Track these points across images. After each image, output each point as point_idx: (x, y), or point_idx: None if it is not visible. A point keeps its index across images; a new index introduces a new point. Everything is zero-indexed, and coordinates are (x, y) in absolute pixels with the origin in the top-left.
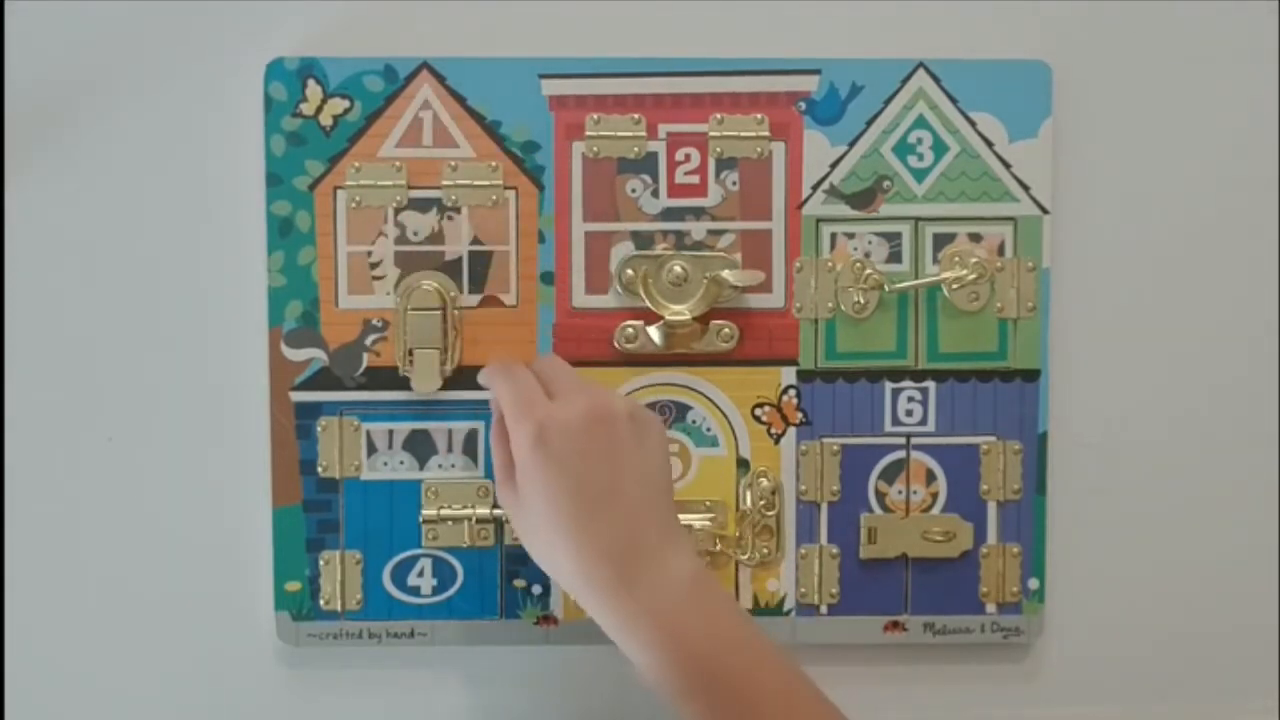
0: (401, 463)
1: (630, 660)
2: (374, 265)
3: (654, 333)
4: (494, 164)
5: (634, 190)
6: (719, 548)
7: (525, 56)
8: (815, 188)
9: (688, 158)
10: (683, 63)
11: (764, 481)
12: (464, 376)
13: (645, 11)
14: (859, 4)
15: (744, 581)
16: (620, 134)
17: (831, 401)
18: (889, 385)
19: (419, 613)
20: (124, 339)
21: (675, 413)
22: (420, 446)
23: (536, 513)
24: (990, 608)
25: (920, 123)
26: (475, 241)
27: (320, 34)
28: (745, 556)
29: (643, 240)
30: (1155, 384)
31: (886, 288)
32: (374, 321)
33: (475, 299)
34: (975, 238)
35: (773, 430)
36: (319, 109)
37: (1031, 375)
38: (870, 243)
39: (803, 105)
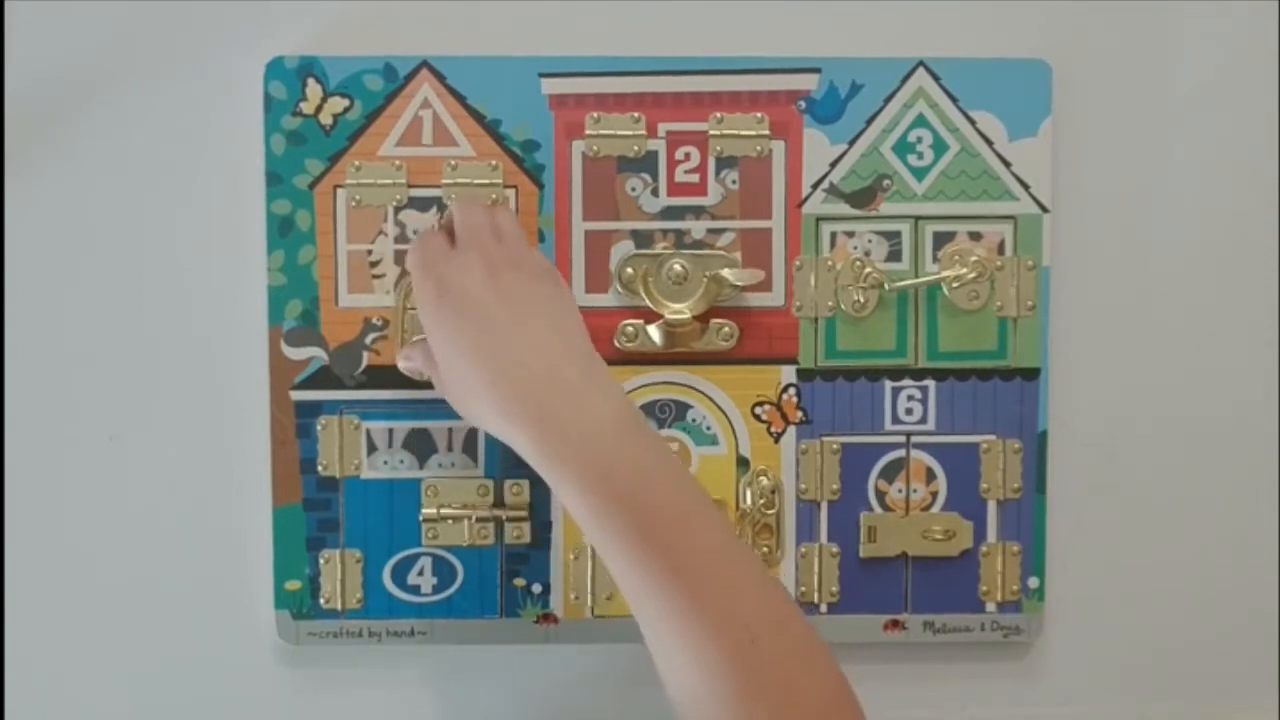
0: (401, 461)
1: (558, 497)
2: (374, 264)
3: (654, 331)
4: (494, 163)
5: (634, 189)
6: None
7: (525, 55)
8: (815, 186)
9: (688, 156)
10: (683, 62)
11: (764, 480)
12: None
13: (645, 11)
14: (859, 3)
15: None
16: (620, 133)
17: (831, 400)
18: (889, 384)
19: (419, 611)
20: (124, 338)
21: (675, 412)
22: (420, 445)
23: (450, 364)
24: (990, 606)
25: (920, 121)
26: None
27: (320, 33)
28: None
29: (642, 239)
30: (1155, 382)
31: (886, 286)
32: (374, 320)
33: None
34: (975, 236)
35: (773, 429)
36: (319, 108)
37: (1031, 374)
38: (870, 241)
39: (803, 104)
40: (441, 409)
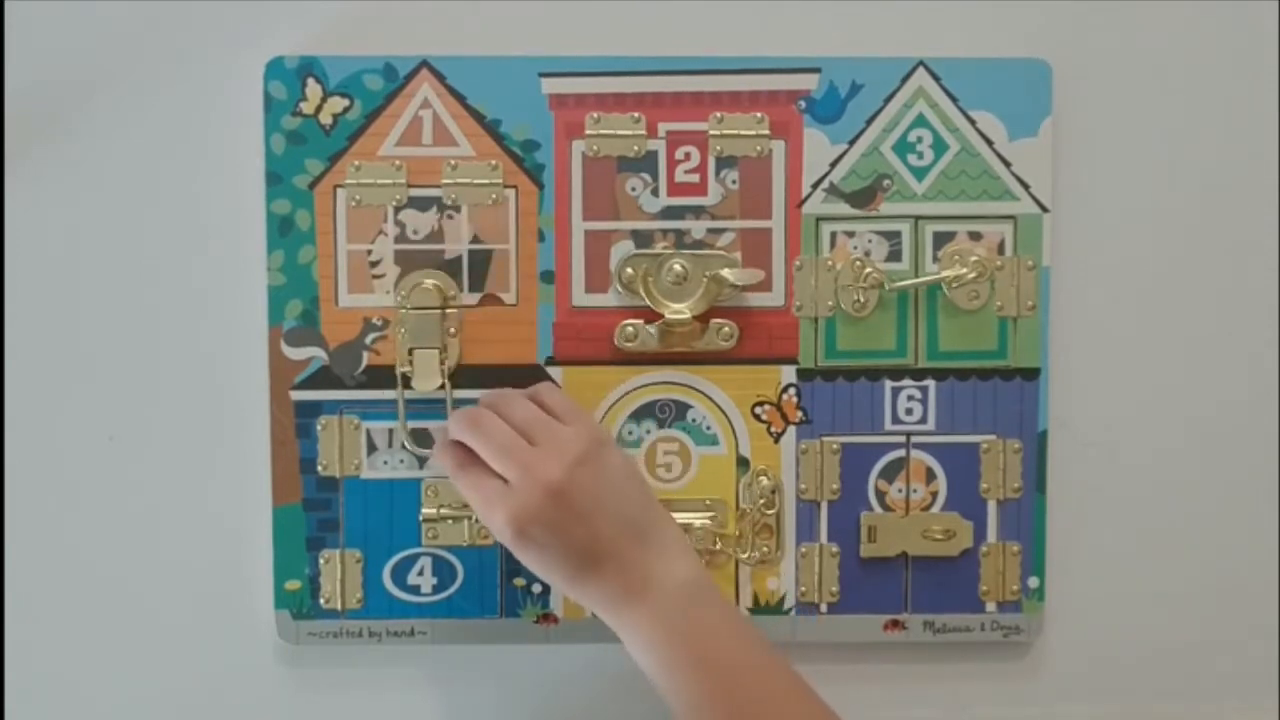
0: (401, 461)
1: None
2: (374, 264)
3: (654, 331)
4: (494, 163)
5: (634, 189)
6: (719, 546)
7: (525, 55)
8: (815, 186)
9: (688, 156)
10: (683, 61)
11: (764, 480)
12: (464, 375)
13: (645, 11)
14: (859, 3)
15: (744, 580)
16: (620, 132)
17: (831, 400)
18: (889, 384)
19: (419, 611)
20: (124, 338)
21: (675, 412)
22: (420, 445)
23: (537, 571)
24: (990, 606)
25: (920, 121)
26: (475, 240)
27: (320, 33)
28: (745, 555)
29: (643, 239)
30: (1155, 382)
31: (886, 286)
32: (374, 320)
33: (475, 298)
34: (975, 236)
35: (773, 429)
36: (319, 108)
37: (1031, 374)
38: (870, 241)
39: (803, 104)
40: (442, 408)
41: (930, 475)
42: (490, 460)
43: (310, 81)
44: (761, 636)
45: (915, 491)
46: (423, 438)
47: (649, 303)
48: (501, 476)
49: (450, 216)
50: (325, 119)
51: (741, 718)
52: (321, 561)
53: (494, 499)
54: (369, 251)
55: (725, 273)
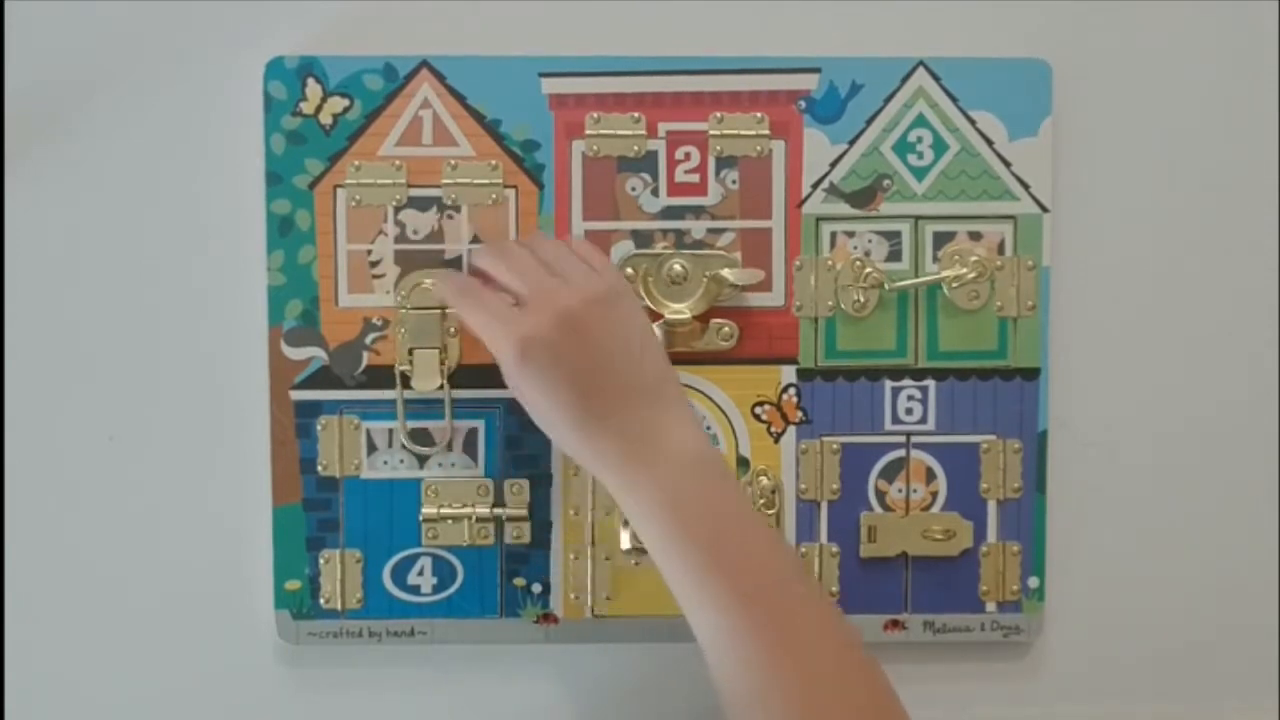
0: (401, 461)
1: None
2: (374, 264)
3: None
4: (494, 163)
5: (634, 189)
6: None
7: (525, 55)
8: (815, 186)
9: (688, 156)
10: (683, 61)
11: (764, 480)
12: (464, 375)
13: (645, 11)
14: (859, 3)
15: None
16: (620, 133)
17: (831, 400)
18: (889, 384)
19: (419, 611)
20: (124, 338)
21: None
22: (420, 445)
23: (538, 414)
24: (990, 606)
25: (920, 121)
26: (475, 240)
27: (320, 33)
28: None
29: (642, 239)
30: (1155, 382)
31: (886, 286)
32: (374, 320)
33: None
34: (975, 236)
35: (773, 429)
36: (319, 108)
37: (1031, 374)
38: (870, 241)
39: (803, 104)
40: (442, 408)
41: (930, 475)
42: (508, 280)
43: (310, 81)
44: (766, 520)
45: (915, 491)
46: (423, 437)
47: (649, 303)
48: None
49: (450, 216)
50: (325, 119)
51: (743, 596)
52: (321, 561)
53: (503, 316)
54: (369, 251)
55: (725, 273)
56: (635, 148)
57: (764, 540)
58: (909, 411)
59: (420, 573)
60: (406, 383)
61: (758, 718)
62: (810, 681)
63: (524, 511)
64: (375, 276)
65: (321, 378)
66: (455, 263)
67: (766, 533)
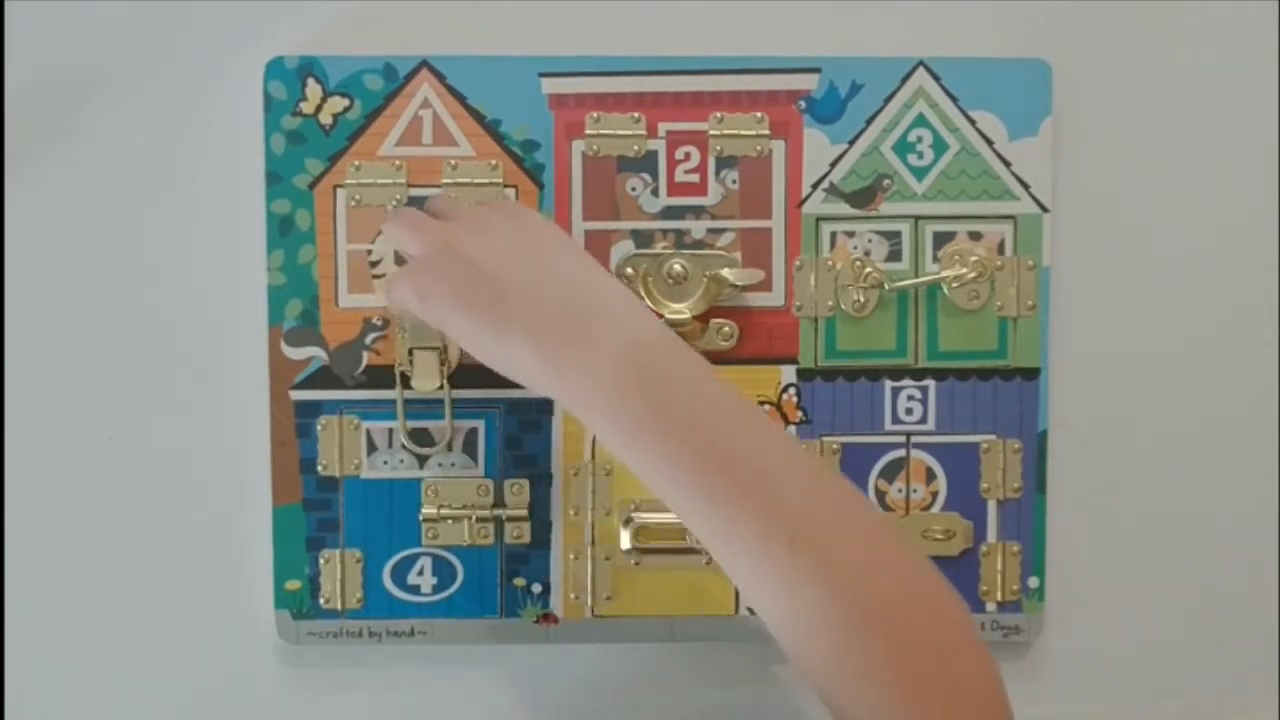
0: (401, 461)
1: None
2: (374, 264)
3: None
4: (494, 163)
5: (634, 189)
6: None
7: (525, 55)
8: (815, 186)
9: (688, 156)
10: (683, 61)
11: None
12: (464, 375)
13: (645, 11)
14: (859, 3)
15: None
16: (620, 132)
17: (831, 400)
18: (889, 384)
19: (419, 611)
20: (124, 338)
21: None
22: (420, 445)
23: (466, 343)
24: (990, 606)
25: (920, 121)
26: None
27: (320, 33)
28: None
29: (642, 239)
30: (1155, 382)
31: (886, 286)
32: (374, 320)
33: None
34: (975, 236)
35: None
36: (319, 107)
37: (1031, 373)
38: (870, 241)
39: (803, 104)
40: (441, 408)
41: (930, 475)
42: (403, 239)
43: (310, 81)
44: (733, 388)
45: (915, 491)
46: (423, 437)
47: (649, 303)
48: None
49: None
50: (325, 119)
51: (729, 474)
52: (321, 561)
53: (400, 274)
54: (369, 251)
55: (725, 273)
56: (635, 148)
57: (735, 408)
58: (909, 411)
59: (420, 573)
60: (406, 383)
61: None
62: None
63: (524, 511)
64: (375, 276)
65: (321, 378)
66: None
67: (743, 404)
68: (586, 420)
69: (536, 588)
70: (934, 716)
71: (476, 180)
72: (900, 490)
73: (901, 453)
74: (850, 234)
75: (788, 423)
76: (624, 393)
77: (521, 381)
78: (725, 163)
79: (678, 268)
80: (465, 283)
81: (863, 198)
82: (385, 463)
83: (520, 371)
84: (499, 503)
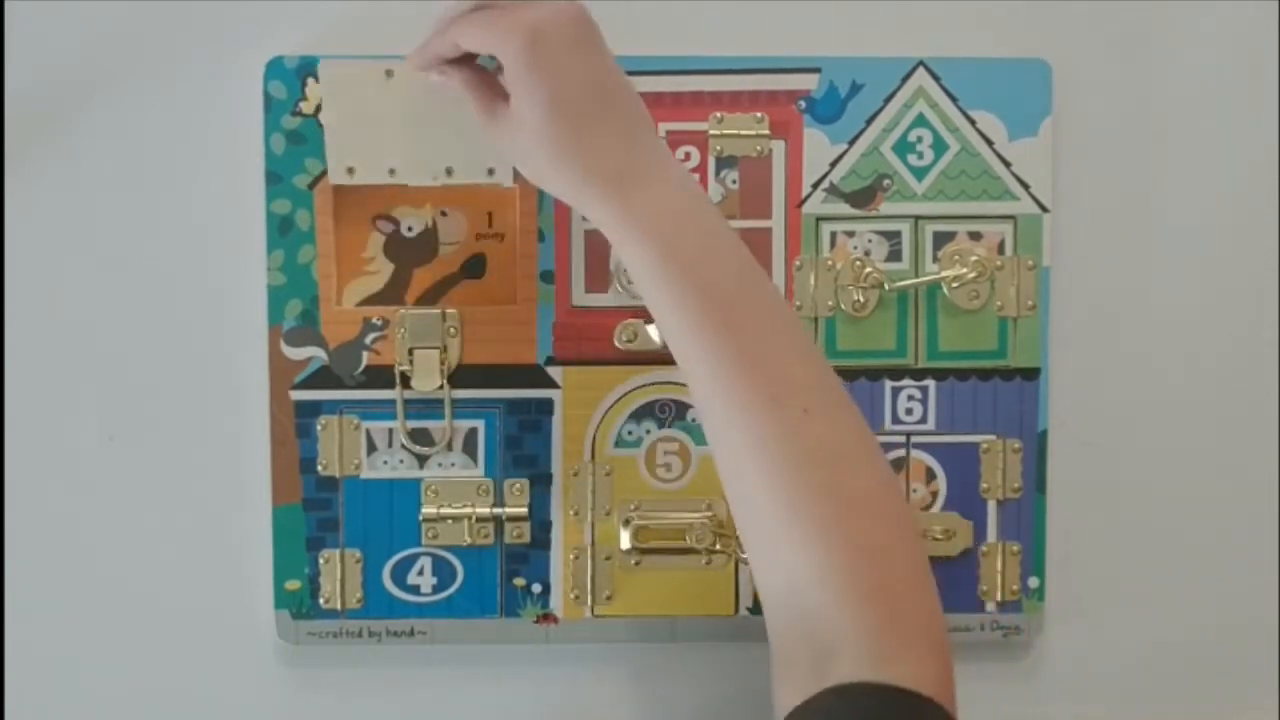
0: (401, 461)
1: (625, 263)
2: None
3: (653, 331)
4: (491, 166)
5: None
6: (719, 547)
7: None
8: (815, 186)
9: (688, 156)
10: (683, 61)
11: None
12: (464, 375)
13: (645, 11)
14: (859, 3)
15: (744, 580)
16: None
17: None
18: (889, 383)
19: (419, 611)
20: (124, 337)
21: (675, 411)
22: (420, 445)
23: (534, 130)
24: (990, 606)
25: (920, 121)
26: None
27: (320, 33)
28: (745, 555)
29: None
30: (1155, 382)
31: (886, 286)
32: (374, 320)
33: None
34: (975, 236)
35: None
36: (319, 108)
37: (1031, 373)
38: (870, 241)
39: (803, 104)
40: (439, 409)
41: (930, 475)
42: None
43: (310, 82)
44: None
45: (915, 491)
46: (423, 437)
47: None
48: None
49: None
50: None
51: (745, 354)
52: (321, 561)
53: (515, 9)
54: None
55: None
56: None
57: (750, 273)
58: (909, 411)
59: (420, 573)
60: (406, 382)
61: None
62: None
63: (524, 511)
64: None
65: (321, 378)
66: None
67: (752, 266)
68: (628, 263)
69: (536, 588)
70: (863, 569)
71: (474, 182)
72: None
73: (901, 452)
74: (850, 234)
75: None
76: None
77: (575, 194)
78: (725, 163)
79: None
80: (581, 76)
81: (863, 198)
82: (385, 463)
83: (571, 187)
84: (499, 503)
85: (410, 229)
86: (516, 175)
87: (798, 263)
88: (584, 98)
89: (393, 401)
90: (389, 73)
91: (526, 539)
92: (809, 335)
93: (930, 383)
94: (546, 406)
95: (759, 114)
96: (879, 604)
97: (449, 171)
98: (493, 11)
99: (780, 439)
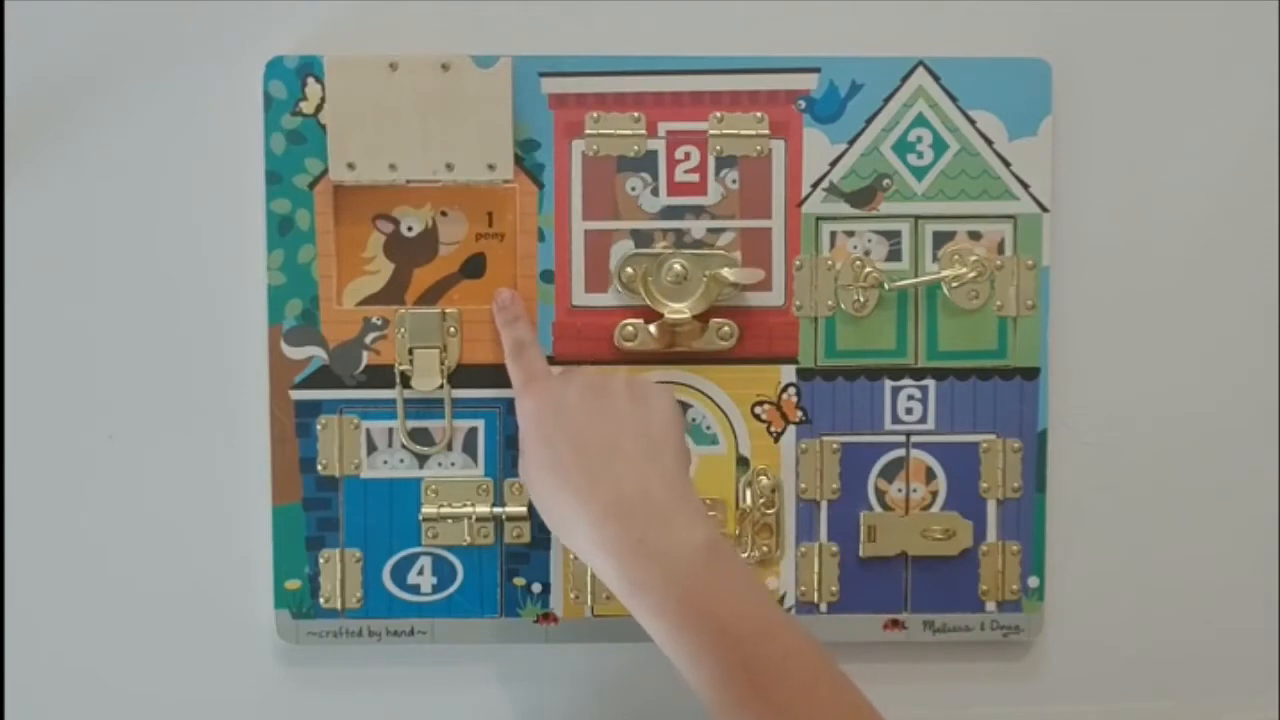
0: (401, 461)
1: (641, 626)
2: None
3: (654, 331)
4: (492, 163)
5: (634, 188)
6: None
7: (525, 55)
8: (815, 186)
9: (687, 156)
10: (683, 61)
11: (764, 479)
12: (464, 375)
13: (645, 11)
14: (859, 2)
15: None
16: (620, 132)
17: (831, 399)
18: (889, 383)
19: (419, 611)
20: (124, 337)
21: None
22: (420, 444)
23: (543, 480)
24: (990, 606)
25: (920, 121)
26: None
27: (320, 33)
28: (745, 554)
29: (642, 238)
30: (1155, 381)
31: (886, 286)
32: (374, 320)
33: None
34: (975, 236)
35: (772, 428)
36: (319, 107)
37: (1031, 373)
38: (870, 241)
39: (802, 103)
40: (439, 409)
41: (930, 475)
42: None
43: (310, 81)
44: (777, 604)
45: (915, 491)
46: (423, 437)
47: (649, 302)
48: None
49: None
50: (325, 119)
51: (763, 689)
52: (321, 561)
53: (536, 376)
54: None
55: (725, 272)
56: (635, 147)
57: (779, 624)
58: (909, 411)
59: (420, 572)
60: (406, 382)
61: None
62: None
63: (524, 511)
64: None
65: (321, 377)
66: None
67: (781, 618)
68: (634, 613)
69: (536, 587)
70: None
71: (474, 180)
72: (900, 490)
73: (901, 452)
74: (850, 234)
75: (787, 423)
76: (679, 616)
77: (585, 548)
78: (725, 162)
79: (678, 267)
80: (577, 426)
81: (862, 197)
82: (385, 462)
83: (581, 543)
84: (499, 502)
85: (410, 229)
86: (516, 171)
87: (797, 262)
88: (581, 453)
89: (393, 401)
90: (393, 66)
91: (526, 539)
92: (834, 664)
93: (930, 382)
94: None
95: (759, 114)
96: None
97: (449, 167)
98: (527, 372)
99: None
